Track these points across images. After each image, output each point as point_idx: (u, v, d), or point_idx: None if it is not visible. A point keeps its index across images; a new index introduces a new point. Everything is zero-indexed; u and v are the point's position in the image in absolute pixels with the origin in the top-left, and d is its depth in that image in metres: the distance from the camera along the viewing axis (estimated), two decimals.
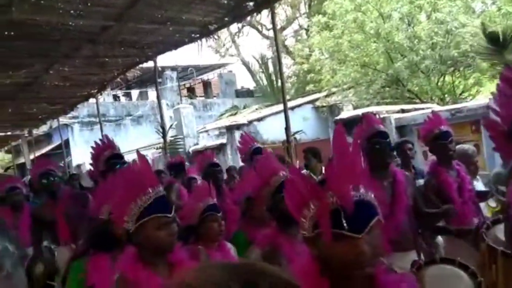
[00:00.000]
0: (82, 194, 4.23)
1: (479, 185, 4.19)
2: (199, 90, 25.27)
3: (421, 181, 4.22)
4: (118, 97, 22.37)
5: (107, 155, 3.80)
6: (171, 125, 12.52)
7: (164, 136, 9.53)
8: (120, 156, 3.88)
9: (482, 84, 13.02)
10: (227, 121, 16.39)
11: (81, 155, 16.01)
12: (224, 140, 12.43)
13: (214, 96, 24.29)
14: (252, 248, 2.59)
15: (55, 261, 3.68)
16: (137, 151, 2.22)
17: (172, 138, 12.80)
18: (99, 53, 7.98)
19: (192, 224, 2.57)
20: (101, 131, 11.71)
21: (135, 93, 23.43)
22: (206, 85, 24.93)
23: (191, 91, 24.59)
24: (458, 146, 4.00)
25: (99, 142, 3.96)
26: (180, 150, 12.76)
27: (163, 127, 9.51)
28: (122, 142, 15.96)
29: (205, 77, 25.26)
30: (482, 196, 3.74)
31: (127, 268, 1.87)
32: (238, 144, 4.79)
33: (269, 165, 2.64)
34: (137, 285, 1.80)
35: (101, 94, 11.98)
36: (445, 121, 3.78)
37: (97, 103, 11.42)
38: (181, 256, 1.93)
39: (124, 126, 18.82)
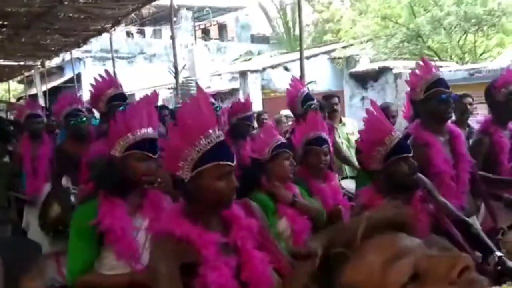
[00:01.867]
0: None
1: None
2: (214, 32, 24.82)
3: None
4: (132, 33, 22.04)
5: (109, 95, 3.35)
6: (184, 66, 12.40)
7: (176, 76, 9.47)
8: (123, 97, 3.44)
9: (504, 45, 12.65)
10: (241, 66, 16.20)
11: None
12: (237, 85, 12.34)
13: (229, 40, 23.88)
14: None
15: (72, 205, 3.20)
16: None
17: (184, 79, 12.72)
18: None
19: (261, 160, 2.48)
20: (113, 67, 11.65)
21: (148, 30, 23.07)
22: (222, 27, 24.46)
23: (205, 33, 24.16)
24: None
25: (99, 78, 3.45)
26: (192, 91, 12.72)
27: (176, 67, 9.43)
28: (133, 80, 16.04)
29: (221, 19, 24.73)
30: None
31: (174, 224, 1.59)
32: (289, 87, 3.99)
33: (381, 124, 2.20)
34: (188, 244, 1.57)
35: (114, 30, 11.82)
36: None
37: (110, 38, 11.26)
38: (237, 213, 1.70)
39: (136, 64, 18.65)
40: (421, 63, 2.75)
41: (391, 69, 8.64)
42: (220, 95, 12.57)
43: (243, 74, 12.15)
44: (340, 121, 4.82)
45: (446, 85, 2.70)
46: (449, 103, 2.67)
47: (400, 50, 11.89)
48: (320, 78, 12.22)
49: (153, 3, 9.35)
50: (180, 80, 10.68)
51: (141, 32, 22.59)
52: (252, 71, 12.16)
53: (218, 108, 4.25)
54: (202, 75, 13.48)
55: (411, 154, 2.13)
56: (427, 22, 10.95)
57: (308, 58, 12.44)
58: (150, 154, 1.97)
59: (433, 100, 2.65)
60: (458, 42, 11.54)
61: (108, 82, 3.46)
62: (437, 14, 10.78)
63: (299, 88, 3.93)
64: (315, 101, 3.85)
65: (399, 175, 2.08)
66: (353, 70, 9.74)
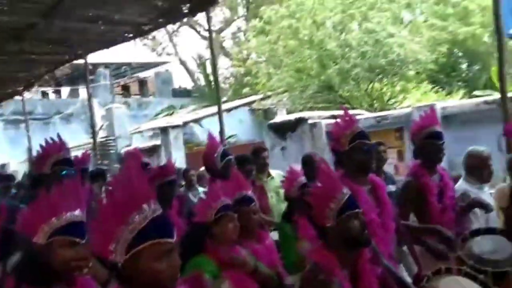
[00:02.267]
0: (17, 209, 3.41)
1: (485, 194, 3.60)
2: (134, 88, 24.71)
3: (391, 187, 4.12)
4: (47, 93, 21.37)
5: (55, 159, 3.22)
6: (101, 126, 12.16)
7: (93, 136, 9.27)
8: (70, 162, 3.29)
9: (408, 91, 13.76)
10: (162, 121, 16.17)
11: (5, 155, 15.17)
12: (158, 142, 12.25)
13: (150, 95, 23.85)
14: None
15: None
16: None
17: (103, 139, 12.43)
18: (25, 50, 7.62)
19: (204, 223, 2.41)
20: (27, 130, 11.18)
21: (65, 90, 22.50)
22: (142, 83, 24.44)
23: (125, 90, 23.99)
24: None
25: (49, 140, 3.33)
26: (111, 151, 12.44)
27: (93, 127, 9.25)
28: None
29: (141, 75, 24.74)
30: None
31: None
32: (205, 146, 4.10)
33: (334, 181, 2.27)
34: None
35: (27, 91, 11.43)
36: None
37: (23, 101, 10.89)
38: None
39: (52, 125, 17.98)
40: (341, 113, 2.93)
41: (306, 120, 9.05)
42: (141, 153, 12.38)
43: (164, 130, 12.12)
44: (268, 175, 4.84)
45: (367, 136, 2.86)
46: (372, 154, 2.82)
47: (315, 100, 12.54)
48: (242, 129, 12.51)
49: (68, 64, 9.23)
50: (99, 139, 10.44)
51: (57, 92, 21.98)
52: (173, 127, 12.17)
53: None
54: (122, 133, 13.26)
55: (361, 210, 2.17)
56: (336, 74, 11.71)
57: (229, 110, 12.75)
58: (78, 240, 1.79)
59: (357, 151, 2.76)
60: (366, 90, 12.40)
61: (57, 145, 3.30)
62: (345, 66, 11.58)
63: (216, 145, 4.00)
64: (232, 157, 3.95)
65: (352, 231, 2.08)
66: (271, 121, 10.08)
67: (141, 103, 21.23)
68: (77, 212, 1.81)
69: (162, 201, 3.58)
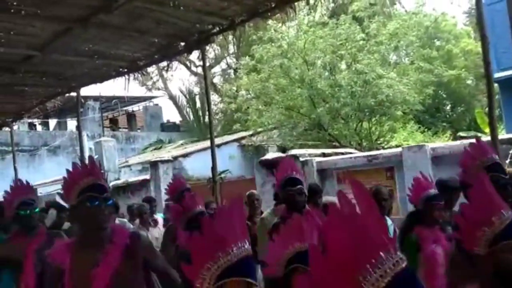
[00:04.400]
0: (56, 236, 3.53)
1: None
2: (122, 122, 24.68)
3: None
4: (34, 125, 21.22)
5: (16, 203, 3.35)
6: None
7: None
8: (27, 203, 3.37)
9: (395, 130, 13.98)
10: (150, 155, 16.08)
11: None
12: (147, 176, 12.15)
13: (138, 129, 23.81)
14: None
15: None
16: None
17: None
18: (18, 82, 7.61)
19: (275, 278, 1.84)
20: (14, 161, 11.01)
21: (52, 122, 22.38)
22: (130, 117, 24.44)
23: (114, 123, 23.93)
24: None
25: (13, 185, 3.52)
26: None
27: (81, 160, 9.13)
28: (36, 174, 15.12)
29: (129, 109, 24.77)
30: None
31: None
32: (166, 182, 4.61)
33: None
34: None
35: (15, 123, 11.33)
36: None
37: (11, 132, 10.76)
38: None
39: (39, 157, 17.78)
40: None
41: (298, 157, 9.10)
42: (130, 187, 12.25)
43: (154, 165, 12.04)
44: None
45: (502, 169, 2.84)
46: (508, 190, 2.63)
47: (305, 137, 12.66)
48: (232, 165, 12.48)
49: (59, 97, 9.19)
50: None
51: (45, 124, 21.83)
52: (163, 161, 12.11)
53: None
54: (111, 166, 13.14)
55: None
56: (326, 113, 11.89)
57: (219, 145, 12.76)
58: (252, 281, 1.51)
59: None
60: (355, 129, 12.57)
61: (19, 188, 3.48)
62: (335, 105, 11.78)
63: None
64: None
65: (509, 265, 1.63)
66: (262, 158, 10.10)
67: (129, 137, 21.16)
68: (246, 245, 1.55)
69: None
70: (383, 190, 4.38)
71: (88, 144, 13.80)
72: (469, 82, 17.99)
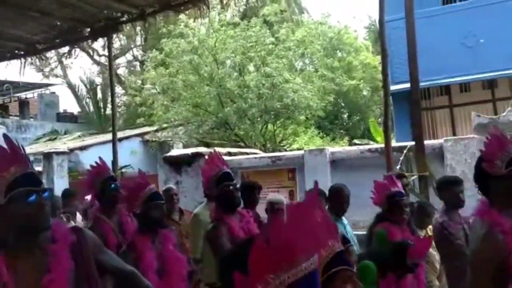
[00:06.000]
0: None
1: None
2: (14, 109, 22.73)
3: None
4: None
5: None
6: None
7: None
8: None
9: (298, 134, 14.52)
10: (44, 146, 15.01)
11: None
12: (40, 168, 11.31)
13: (31, 118, 22.10)
14: None
15: None
16: None
17: None
18: None
19: None
20: None
21: None
22: (23, 104, 22.57)
23: (3, 109, 21.97)
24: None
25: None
26: None
27: None
28: None
29: (23, 95, 22.89)
30: None
31: None
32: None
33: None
34: None
35: None
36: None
37: None
38: None
39: None
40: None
41: (203, 155, 9.06)
42: None
43: (47, 156, 11.25)
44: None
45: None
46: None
47: (211, 136, 12.65)
48: (134, 161, 12.06)
49: None
50: None
51: None
52: (58, 153, 11.37)
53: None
54: None
55: None
56: (233, 112, 11.99)
57: (120, 140, 12.25)
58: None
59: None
60: (261, 131, 12.83)
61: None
62: (242, 106, 11.92)
63: (218, 165, 3.43)
64: (234, 182, 3.42)
65: None
66: (167, 154, 9.91)
67: (21, 125, 19.56)
68: None
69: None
70: (345, 191, 4.19)
71: None
72: (365, 93, 19.23)
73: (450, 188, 3.63)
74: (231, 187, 3.26)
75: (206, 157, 3.63)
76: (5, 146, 1.88)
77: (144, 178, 3.07)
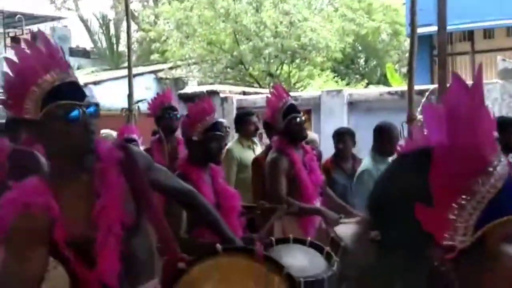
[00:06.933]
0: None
1: None
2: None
3: None
4: None
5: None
6: None
7: None
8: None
9: (313, 77, 14.29)
10: None
11: None
12: None
13: None
14: None
15: None
16: None
17: None
18: None
19: None
20: None
21: None
22: (35, 37, 22.33)
23: (16, 42, 21.77)
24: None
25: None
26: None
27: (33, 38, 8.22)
28: None
29: (35, 28, 22.59)
30: None
31: None
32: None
33: None
34: None
35: None
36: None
37: None
38: None
39: None
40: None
41: (218, 93, 8.98)
42: None
43: None
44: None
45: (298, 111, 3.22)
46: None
47: (225, 75, 12.46)
48: (148, 97, 11.99)
49: None
50: None
51: None
52: None
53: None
54: None
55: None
56: (249, 51, 11.73)
57: (134, 76, 12.13)
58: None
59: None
60: (276, 71, 12.61)
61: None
62: (258, 44, 11.64)
63: (284, 96, 3.30)
64: (300, 114, 3.32)
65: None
66: (182, 91, 9.83)
67: None
68: None
69: None
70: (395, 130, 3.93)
71: None
72: (384, 36, 18.68)
73: None
74: (298, 119, 3.17)
75: (271, 92, 3.36)
76: (40, 46, 1.50)
77: (209, 103, 2.69)
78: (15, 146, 2.69)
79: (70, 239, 1.47)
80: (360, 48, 18.89)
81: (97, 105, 1.59)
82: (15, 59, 1.48)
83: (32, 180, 1.52)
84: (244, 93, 9.81)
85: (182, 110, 9.36)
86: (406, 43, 14.11)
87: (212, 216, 1.99)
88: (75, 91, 1.50)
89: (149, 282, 1.64)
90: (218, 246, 1.68)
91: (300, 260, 2.16)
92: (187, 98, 9.38)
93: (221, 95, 8.95)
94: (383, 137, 3.74)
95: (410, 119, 5.42)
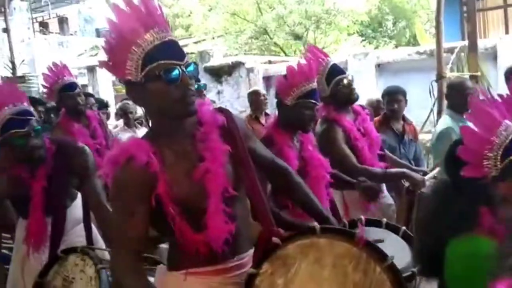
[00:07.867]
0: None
1: None
2: (53, 25, 22.89)
3: None
4: None
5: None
6: (22, 60, 11.22)
7: (14, 72, 8.55)
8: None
9: (339, 42, 14.02)
10: (88, 60, 15.21)
11: None
12: (85, 81, 11.58)
13: (71, 34, 22.25)
14: None
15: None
16: None
17: (24, 75, 11.52)
18: None
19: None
20: None
21: None
22: (62, 20, 22.65)
23: (44, 26, 22.16)
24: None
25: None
26: (33, 89, 11.58)
27: (13, 62, 8.51)
28: None
29: (60, 12, 22.89)
30: None
31: None
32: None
33: None
34: None
35: None
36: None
37: None
38: None
39: None
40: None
41: (243, 64, 8.96)
42: None
43: (91, 70, 11.44)
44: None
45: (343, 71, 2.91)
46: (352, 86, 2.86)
47: (250, 46, 12.40)
48: None
49: None
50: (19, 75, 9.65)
51: None
52: None
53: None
54: (43, 70, 12.33)
55: None
56: (272, 20, 11.60)
57: None
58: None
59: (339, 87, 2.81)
60: (301, 38, 12.45)
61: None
62: (282, 12, 11.48)
63: (322, 58, 2.85)
64: (347, 74, 2.93)
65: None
66: (207, 64, 9.85)
67: (62, 42, 19.77)
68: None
69: None
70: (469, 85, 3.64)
71: (16, 47, 12.80)
72: None
73: None
74: (345, 81, 2.84)
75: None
76: (136, 4, 1.40)
77: (311, 68, 2.40)
78: (61, 140, 2.54)
79: (174, 197, 1.45)
80: (387, 10, 18.33)
81: (195, 64, 1.54)
82: (114, 18, 1.40)
83: (134, 138, 1.53)
84: (270, 62, 9.76)
85: (207, 83, 9.44)
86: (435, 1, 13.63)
87: (305, 194, 1.91)
88: (175, 50, 1.43)
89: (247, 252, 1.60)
90: (317, 225, 1.57)
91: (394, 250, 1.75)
92: (212, 71, 9.40)
93: (246, 66, 8.92)
94: (455, 94, 3.55)
95: (440, 77, 5.33)
